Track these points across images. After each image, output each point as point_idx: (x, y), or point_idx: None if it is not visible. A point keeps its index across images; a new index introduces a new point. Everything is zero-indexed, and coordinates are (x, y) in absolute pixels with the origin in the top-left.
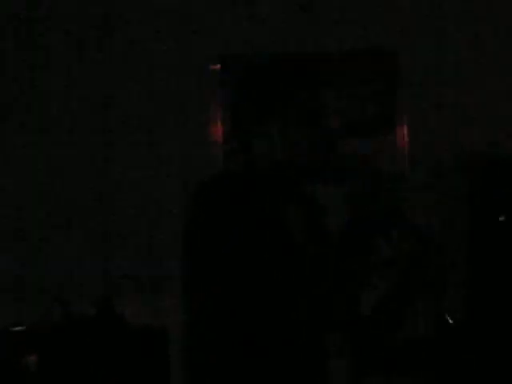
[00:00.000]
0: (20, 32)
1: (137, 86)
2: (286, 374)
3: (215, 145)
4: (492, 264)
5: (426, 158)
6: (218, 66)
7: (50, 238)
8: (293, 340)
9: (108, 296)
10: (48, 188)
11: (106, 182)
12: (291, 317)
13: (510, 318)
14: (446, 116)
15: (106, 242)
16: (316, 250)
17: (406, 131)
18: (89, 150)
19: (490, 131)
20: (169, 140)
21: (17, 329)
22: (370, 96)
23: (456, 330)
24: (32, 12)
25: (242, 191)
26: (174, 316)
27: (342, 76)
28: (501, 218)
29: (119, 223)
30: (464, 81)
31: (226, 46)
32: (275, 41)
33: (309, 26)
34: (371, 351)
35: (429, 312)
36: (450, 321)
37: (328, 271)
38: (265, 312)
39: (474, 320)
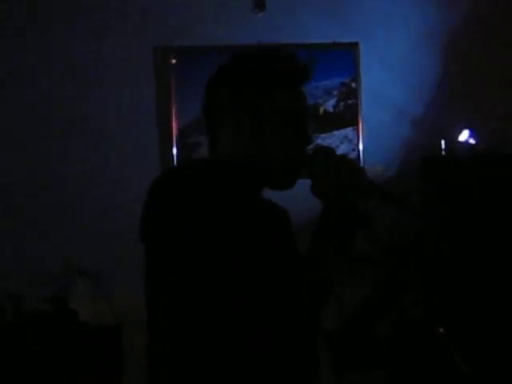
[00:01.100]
0: None
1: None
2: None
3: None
4: (448, 262)
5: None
6: (174, 60)
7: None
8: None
9: (62, 293)
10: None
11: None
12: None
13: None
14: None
15: (61, 236)
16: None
17: (361, 130)
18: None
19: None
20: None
21: None
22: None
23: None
24: None
25: (201, 182)
26: (130, 314)
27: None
28: None
29: (76, 221)
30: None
31: (180, 41)
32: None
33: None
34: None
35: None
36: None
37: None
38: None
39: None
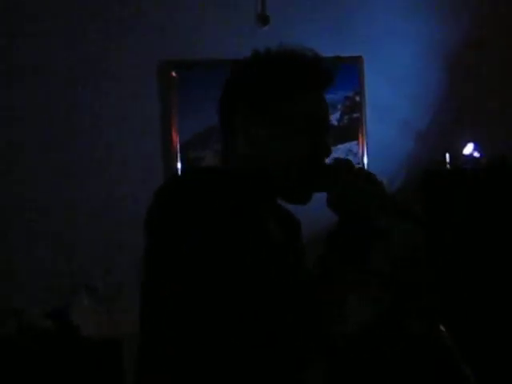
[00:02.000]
0: None
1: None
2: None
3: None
4: (451, 273)
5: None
6: (175, 74)
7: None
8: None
9: (64, 307)
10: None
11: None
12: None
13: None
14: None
15: (64, 250)
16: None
17: (366, 144)
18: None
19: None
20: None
21: None
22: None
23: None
24: None
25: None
26: (129, 328)
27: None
28: None
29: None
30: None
31: (183, 55)
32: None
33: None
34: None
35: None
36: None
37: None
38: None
39: None
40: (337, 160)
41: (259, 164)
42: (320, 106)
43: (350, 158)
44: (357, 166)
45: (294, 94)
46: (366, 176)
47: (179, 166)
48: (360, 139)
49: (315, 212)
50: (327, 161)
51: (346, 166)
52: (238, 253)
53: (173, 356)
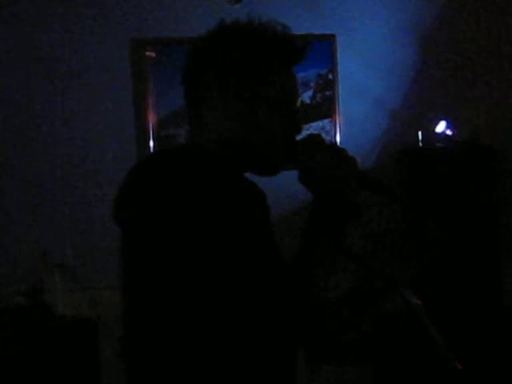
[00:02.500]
0: None
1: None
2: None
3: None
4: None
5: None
6: (153, 53)
7: None
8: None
9: (38, 285)
10: None
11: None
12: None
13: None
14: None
15: (37, 229)
16: None
17: (338, 122)
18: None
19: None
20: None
21: None
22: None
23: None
24: None
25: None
26: (106, 308)
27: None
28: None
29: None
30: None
31: (156, 33)
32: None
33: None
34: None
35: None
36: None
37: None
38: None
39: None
40: (308, 136)
41: (234, 138)
42: (294, 83)
43: (323, 135)
44: (328, 141)
45: (270, 69)
46: (337, 151)
47: (152, 144)
48: (333, 117)
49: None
50: (298, 137)
51: (317, 142)
52: (225, 231)
53: (165, 348)
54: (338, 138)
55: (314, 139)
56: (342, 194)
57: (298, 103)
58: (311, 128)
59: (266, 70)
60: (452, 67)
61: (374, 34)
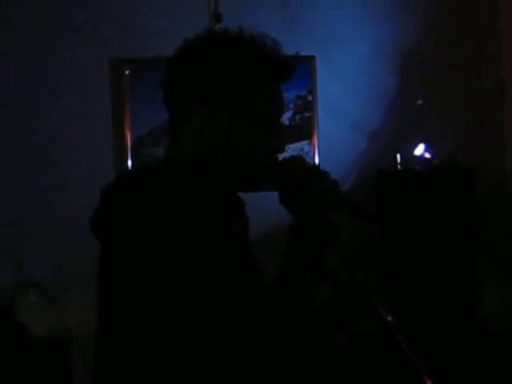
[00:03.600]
0: None
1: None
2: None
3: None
4: (402, 273)
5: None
6: (128, 72)
7: None
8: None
9: (10, 305)
10: None
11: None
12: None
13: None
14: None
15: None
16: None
17: (317, 144)
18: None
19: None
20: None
21: None
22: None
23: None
24: None
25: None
26: (80, 328)
27: None
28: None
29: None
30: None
31: (135, 52)
32: None
33: None
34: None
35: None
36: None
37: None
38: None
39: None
40: (289, 157)
41: (212, 151)
42: (279, 100)
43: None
44: (310, 163)
45: (255, 85)
46: (318, 173)
47: (130, 162)
48: (312, 139)
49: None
50: (280, 157)
51: (298, 163)
52: (198, 247)
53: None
54: (316, 160)
55: (297, 161)
56: (321, 216)
57: (282, 121)
58: (290, 149)
59: (250, 85)
60: (431, 90)
61: (353, 55)
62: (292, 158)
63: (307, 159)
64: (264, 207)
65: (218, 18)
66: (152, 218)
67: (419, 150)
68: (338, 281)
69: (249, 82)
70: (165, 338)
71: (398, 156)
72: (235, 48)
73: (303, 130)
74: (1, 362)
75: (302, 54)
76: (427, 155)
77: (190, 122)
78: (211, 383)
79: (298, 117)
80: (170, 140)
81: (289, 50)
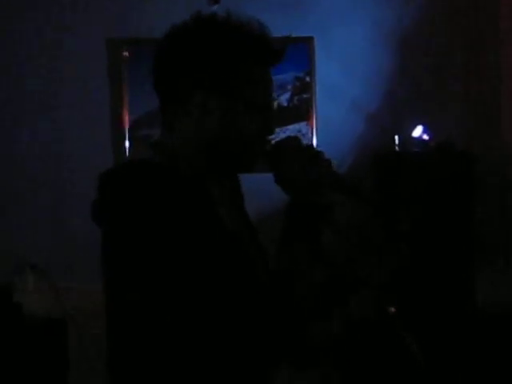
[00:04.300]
0: None
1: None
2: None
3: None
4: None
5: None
6: (126, 53)
7: None
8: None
9: (6, 285)
10: None
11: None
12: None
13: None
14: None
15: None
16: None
17: (315, 125)
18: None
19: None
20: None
21: None
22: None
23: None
24: None
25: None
26: (76, 308)
27: None
28: None
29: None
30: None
31: (133, 33)
32: None
33: None
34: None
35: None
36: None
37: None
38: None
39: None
40: (285, 138)
41: (210, 137)
42: (269, 83)
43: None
44: (305, 143)
45: (246, 68)
46: (313, 154)
47: (127, 144)
48: (310, 120)
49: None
50: (273, 139)
51: (293, 144)
52: (192, 235)
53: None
54: (314, 141)
55: (291, 141)
56: (314, 195)
57: (273, 104)
58: (288, 131)
59: (241, 69)
60: (429, 71)
61: (351, 36)
62: (287, 138)
63: (305, 141)
64: (259, 189)
65: None
66: (148, 209)
67: (417, 131)
68: (334, 262)
69: (238, 65)
70: (162, 319)
71: (396, 137)
72: (223, 32)
73: (301, 112)
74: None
75: (301, 35)
76: (425, 137)
77: (185, 110)
78: (213, 367)
79: (296, 98)
80: (164, 127)
81: (286, 30)
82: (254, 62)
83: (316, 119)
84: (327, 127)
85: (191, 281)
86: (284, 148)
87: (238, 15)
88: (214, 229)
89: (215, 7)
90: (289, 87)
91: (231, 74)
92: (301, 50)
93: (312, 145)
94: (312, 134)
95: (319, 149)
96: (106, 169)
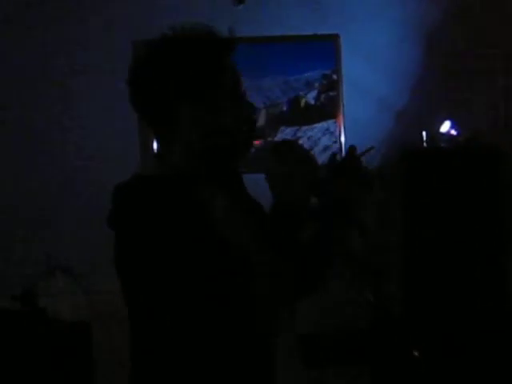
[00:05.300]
0: None
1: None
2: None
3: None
4: (428, 252)
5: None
6: None
7: None
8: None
9: (31, 289)
10: None
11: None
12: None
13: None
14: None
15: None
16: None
17: (343, 123)
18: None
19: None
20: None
21: None
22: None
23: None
24: None
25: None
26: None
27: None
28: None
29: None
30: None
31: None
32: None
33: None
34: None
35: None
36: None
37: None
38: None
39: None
40: (281, 141)
41: (202, 146)
42: (235, 74)
43: (327, 136)
44: (301, 149)
45: (209, 69)
46: (303, 160)
47: (155, 146)
48: (337, 118)
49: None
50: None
51: (286, 148)
52: (180, 237)
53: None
54: (342, 139)
55: (286, 145)
56: (299, 203)
57: (244, 92)
58: (315, 129)
59: (204, 72)
60: (456, 67)
61: (378, 33)
62: (283, 142)
63: (333, 139)
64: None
65: None
66: (153, 219)
67: (445, 127)
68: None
69: (200, 69)
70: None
71: (424, 134)
72: (176, 48)
73: (328, 110)
74: (22, 345)
75: (327, 32)
76: (453, 132)
77: (170, 124)
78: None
79: (323, 96)
80: (158, 139)
81: (312, 28)
82: (212, 59)
83: (344, 117)
84: (355, 125)
85: (181, 272)
86: (277, 151)
87: (181, 27)
88: (201, 231)
89: (240, 7)
90: (316, 85)
91: (197, 79)
92: (327, 48)
93: (307, 151)
94: (340, 131)
95: (312, 156)
96: (119, 182)
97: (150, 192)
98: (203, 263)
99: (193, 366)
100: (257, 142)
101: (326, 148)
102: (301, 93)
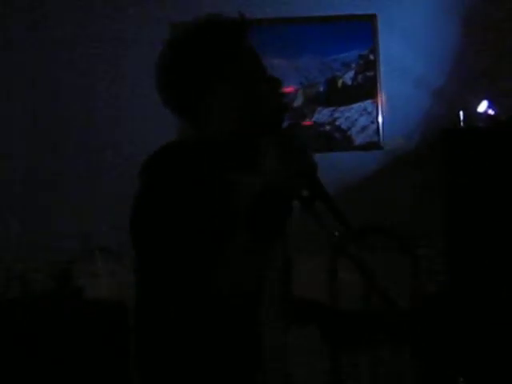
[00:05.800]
0: None
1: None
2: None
3: None
4: (467, 236)
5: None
6: None
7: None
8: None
9: (67, 269)
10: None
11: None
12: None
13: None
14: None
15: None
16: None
17: (380, 103)
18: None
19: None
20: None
21: None
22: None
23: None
24: None
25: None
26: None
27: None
28: None
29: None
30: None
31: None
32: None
33: None
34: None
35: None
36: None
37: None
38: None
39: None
40: (285, 127)
41: (238, 122)
42: (255, 55)
43: (365, 117)
44: (299, 139)
45: (230, 52)
46: (296, 151)
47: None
48: (375, 98)
49: None
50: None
51: (285, 136)
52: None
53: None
54: (380, 119)
55: (286, 132)
56: (285, 192)
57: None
58: (353, 109)
59: (229, 55)
60: (493, 45)
61: (415, 12)
62: (285, 128)
63: (371, 119)
64: None
65: None
66: (170, 179)
67: (482, 106)
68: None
69: (225, 52)
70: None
71: (461, 113)
72: (197, 40)
73: (366, 90)
74: (58, 326)
75: (363, 12)
76: (490, 112)
77: (207, 105)
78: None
79: (360, 76)
80: (192, 121)
81: (348, 9)
82: (232, 43)
83: (381, 97)
84: (392, 104)
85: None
86: (275, 140)
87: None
88: (211, 200)
89: None
90: (353, 65)
91: (221, 59)
92: (364, 28)
93: (304, 143)
94: (377, 112)
95: (307, 148)
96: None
97: (176, 153)
98: (203, 225)
99: (187, 331)
100: (307, 123)
101: (363, 128)
102: (338, 73)
